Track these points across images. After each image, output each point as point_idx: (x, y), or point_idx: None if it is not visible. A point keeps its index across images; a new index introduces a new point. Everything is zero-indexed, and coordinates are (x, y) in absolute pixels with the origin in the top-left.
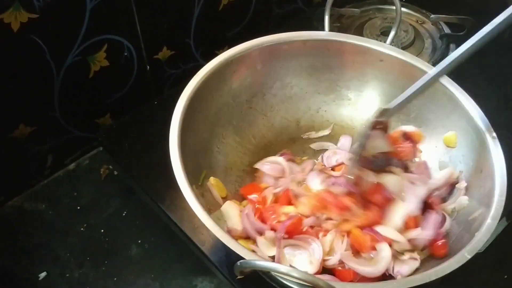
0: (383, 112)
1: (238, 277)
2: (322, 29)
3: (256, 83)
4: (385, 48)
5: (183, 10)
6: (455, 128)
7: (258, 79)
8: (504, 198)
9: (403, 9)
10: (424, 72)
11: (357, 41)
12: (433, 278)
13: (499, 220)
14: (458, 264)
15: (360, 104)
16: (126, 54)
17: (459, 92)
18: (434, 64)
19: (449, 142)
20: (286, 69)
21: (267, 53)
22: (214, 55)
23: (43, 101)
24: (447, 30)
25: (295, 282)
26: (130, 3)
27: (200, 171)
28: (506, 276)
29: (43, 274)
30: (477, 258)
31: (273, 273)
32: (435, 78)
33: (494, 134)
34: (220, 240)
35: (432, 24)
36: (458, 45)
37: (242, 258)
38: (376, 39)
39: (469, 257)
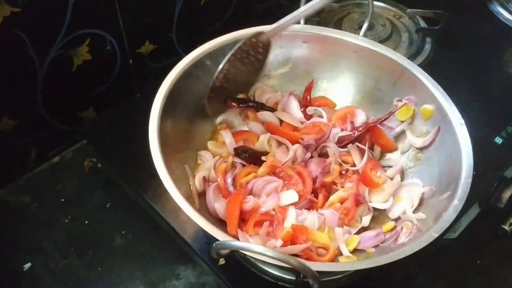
0: (259, 35)
1: (220, 263)
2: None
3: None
4: (358, 40)
5: (165, 5)
6: None
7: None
8: (470, 180)
9: (380, 3)
10: (396, 63)
11: (331, 33)
12: (401, 256)
13: (472, 206)
14: (426, 243)
15: (334, 94)
16: (108, 48)
17: (429, 81)
18: (410, 57)
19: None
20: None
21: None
22: None
23: (26, 95)
24: (423, 24)
25: (272, 265)
26: None
27: (181, 161)
28: (479, 261)
29: (27, 265)
30: (452, 244)
31: (251, 258)
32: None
33: (462, 121)
34: (200, 226)
35: (408, 18)
36: (434, 38)
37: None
38: (354, 33)
39: (436, 235)
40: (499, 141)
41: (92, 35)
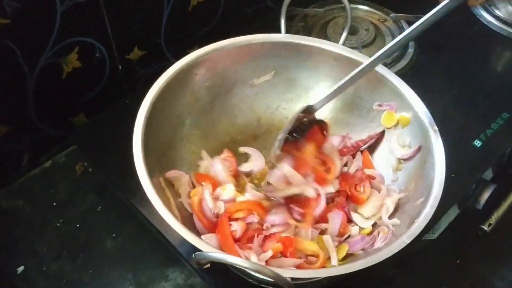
0: (309, 108)
1: (205, 266)
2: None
3: (217, 84)
4: (337, 48)
5: (153, 10)
6: None
7: (219, 81)
8: (442, 187)
9: (365, 7)
10: (373, 70)
11: (311, 42)
12: (375, 262)
13: (451, 207)
14: (397, 249)
15: (315, 101)
16: (97, 55)
17: (406, 89)
18: (393, 61)
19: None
20: (245, 70)
21: (227, 55)
22: (185, 54)
23: (17, 102)
24: (406, 28)
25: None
26: (100, 6)
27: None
28: (458, 261)
29: (21, 268)
30: (432, 244)
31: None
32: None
33: (436, 128)
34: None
35: (393, 22)
36: (417, 42)
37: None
38: (339, 37)
39: (408, 241)
40: (478, 144)
41: (81, 43)
